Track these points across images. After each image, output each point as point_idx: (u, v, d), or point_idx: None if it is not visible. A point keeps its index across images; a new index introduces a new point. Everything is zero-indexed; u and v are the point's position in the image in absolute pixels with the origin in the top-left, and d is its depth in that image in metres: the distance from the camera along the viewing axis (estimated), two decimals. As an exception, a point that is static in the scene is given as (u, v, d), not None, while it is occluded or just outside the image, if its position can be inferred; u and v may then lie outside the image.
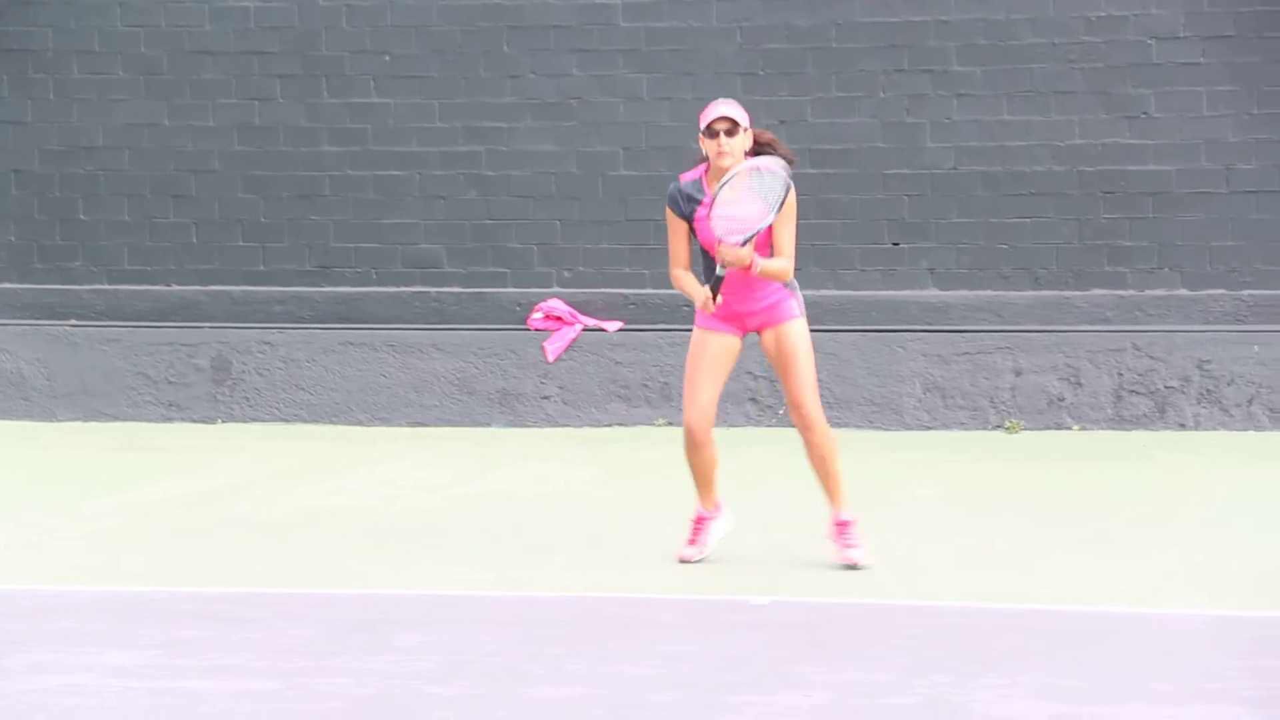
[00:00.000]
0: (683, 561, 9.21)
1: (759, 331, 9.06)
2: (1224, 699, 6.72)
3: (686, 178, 9.04)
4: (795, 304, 9.01)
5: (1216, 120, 12.83)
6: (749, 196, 8.82)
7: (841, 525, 9.07)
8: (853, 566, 8.97)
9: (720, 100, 9.04)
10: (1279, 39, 12.77)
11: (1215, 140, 12.85)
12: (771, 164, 8.86)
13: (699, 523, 9.30)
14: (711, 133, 8.86)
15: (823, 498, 9.19)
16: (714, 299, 8.88)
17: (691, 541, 9.28)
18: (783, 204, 8.86)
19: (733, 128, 8.84)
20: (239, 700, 6.82)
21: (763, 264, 8.84)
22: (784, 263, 8.92)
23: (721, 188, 8.83)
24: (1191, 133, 12.85)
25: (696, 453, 9.17)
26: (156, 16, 13.73)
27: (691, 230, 9.00)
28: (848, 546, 9.03)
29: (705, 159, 8.97)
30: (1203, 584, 8.76)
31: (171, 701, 6.82)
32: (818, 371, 9.59)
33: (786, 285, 9.01)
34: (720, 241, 8.80)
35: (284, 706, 6.76)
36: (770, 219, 8.82)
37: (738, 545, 9.58)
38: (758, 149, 8.98)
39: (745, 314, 9.00)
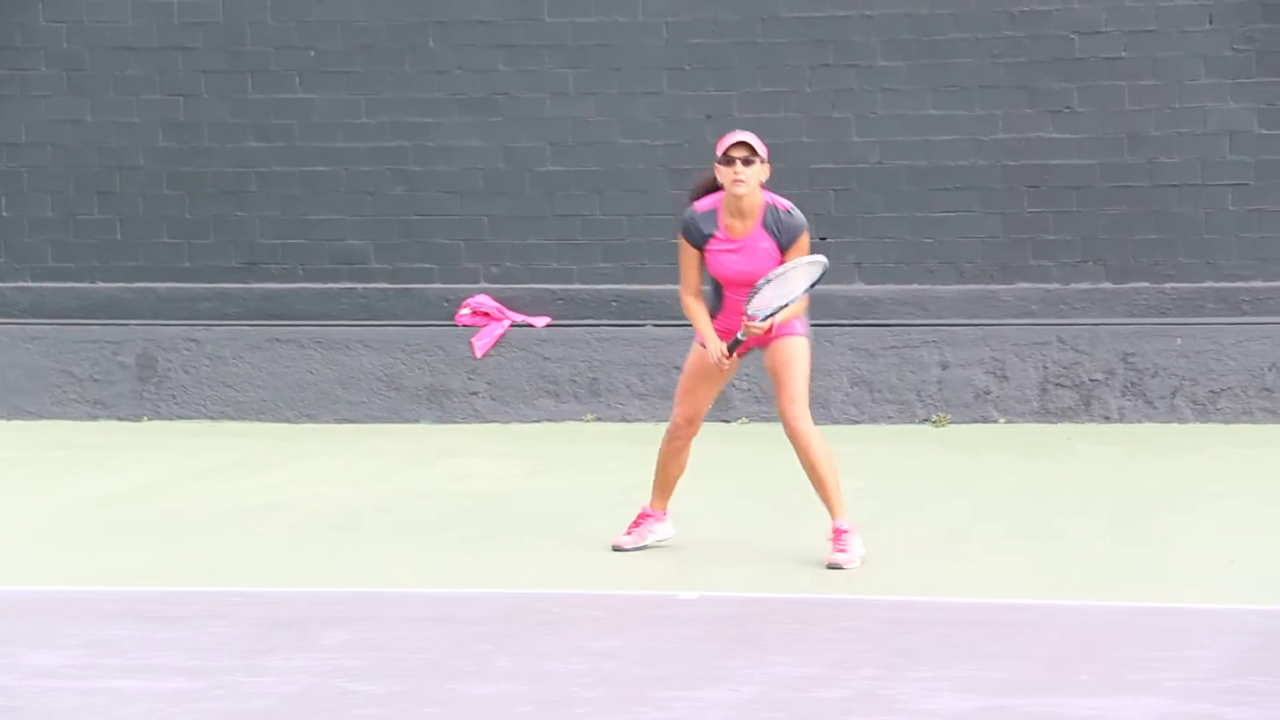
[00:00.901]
0: (616, 549, 9.23)
1: (763, 348, 9.07)
2: (1148, 690, 6.77)
3: (702, 207, 9.02)
4: (798, 323, 9.02)
5: (1139, 114, 12.91)
6: (799, 283, 8.92)
7: (836, 533, 9.02)
8: (835, 567, 8.93)
9: (739, 130, 9.08)
10: (1199, 33, 12.86)
11: (1138, 134, 12.93)
12: (821, 257, 8.96)
13: (642, 518, 9.31)
14: (728, 160, 8.86)
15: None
16: (729, 355, 8.95)
17: (629, 532, 9.30)
18: (795, 243, 8.92)
19: (750, 156, 8.85)
20: (165, 700, 6.79)
21: (779, 320, 8.92)
22: (797, 304, 8.96)
23: (785, 274, 8.87)
24: (1114, 127, 12.92)
25: (673, 454, 9.20)
26: (79, 12, 13.64)
27: (703, 258, 9.00)
28: (837, 551, 8.97)
29: (718, 186, 8.98)
30: (1127, 575, 8.82)
31: (98, 702, 6.79)
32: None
33: None
34: (748, 317, 8.84)
35: (210, 705, 6.73)
36: (798, 298, 8.90)
37: (665, 541, 9.59)
38: (709, 189, 9.00)
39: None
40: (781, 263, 8.92)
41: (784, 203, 8.99)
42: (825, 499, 9.05)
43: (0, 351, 13.65)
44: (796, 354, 8.97)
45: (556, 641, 7.59)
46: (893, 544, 9.50)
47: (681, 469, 9.25)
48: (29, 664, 7.30)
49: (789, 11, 13.12)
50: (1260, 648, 7.37)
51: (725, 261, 8.96)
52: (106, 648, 7.54)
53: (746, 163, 8.84)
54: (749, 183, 8.85)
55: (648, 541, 9.30)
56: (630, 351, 13.24)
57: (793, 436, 9.01)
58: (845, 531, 8.98)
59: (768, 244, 8.91)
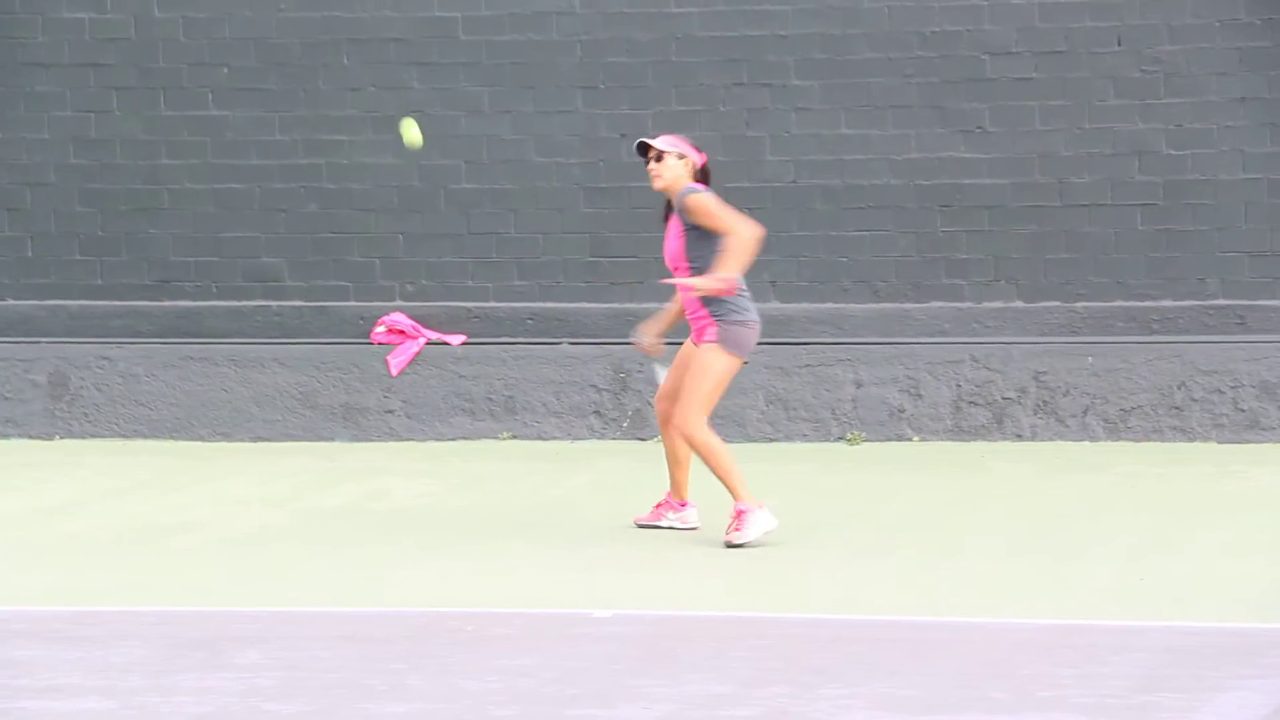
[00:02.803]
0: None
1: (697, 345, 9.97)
2: (1057, 707, 6.82)
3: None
4: (715, 332, 9.74)
5: (1049, 134, 13.02)
6: None
7: (737, 514, 9.78)
8: (730, 545, 9.70)
9: (660, 136, 10.06)
10: (1109, 55, 12.98)
11: (1048, 154, 13.03)
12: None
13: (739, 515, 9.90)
14: (645, 160, 9.91)
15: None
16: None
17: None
18: (685, 209, 9.82)
19: (659, 155, 9.84)
20: (74, 720, 6.75)
21: (698, 284, 9.70)
22: (712, 276, 9.72)
23: None
24: (1025, 147, 13.02)
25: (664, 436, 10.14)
26: (-10, 28, 13.55)
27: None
28: (733, 530, 9.76)
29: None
30: (1038, 593, 8.88)
31: (5, 723, 6.74)
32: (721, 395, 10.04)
33: (723, 317, 9.72)
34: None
35: (120, 726, 6.69)
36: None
37: (579, 557, 9.60)
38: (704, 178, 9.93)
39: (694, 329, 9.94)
40: (683, 240, 9.76)
41: (689, 186, 9.83)
42: (727, 487, 9.82)
43: (-91, 369, 13.52)
44: (702, 364, 9.74)
45: (470, 660, 7.58)
46: (806, 561, 9.53)
47: (672, 453, 10.13)
48: (-64, 685, 7.23)
49: (703, 31, 13.16)
50: (1169, 664, 7.44)
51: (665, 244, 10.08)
52: (14, 668, 7.47)
53: (659, 159, 9.86)
54: (663, 176, 9.86)
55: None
56: (546, 369, 13.24)
57: (686, 443, 9.87)
58: (744, 512, 9.74)
59: (676, 227, 9.87)
